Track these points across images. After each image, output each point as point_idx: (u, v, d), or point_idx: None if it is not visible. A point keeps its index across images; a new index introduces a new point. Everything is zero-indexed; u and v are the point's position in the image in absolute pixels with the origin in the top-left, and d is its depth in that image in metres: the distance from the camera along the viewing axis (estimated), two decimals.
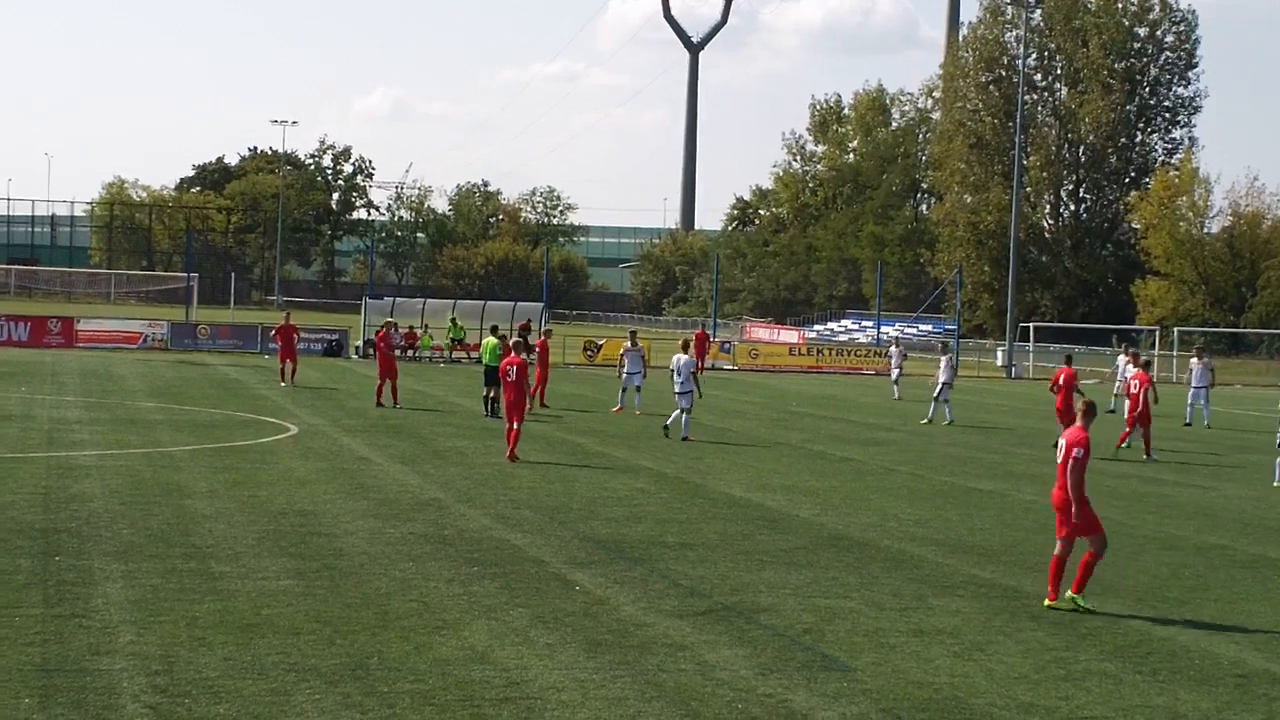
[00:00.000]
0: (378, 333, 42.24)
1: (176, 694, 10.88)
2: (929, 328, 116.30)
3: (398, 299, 77.11)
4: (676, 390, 32.89)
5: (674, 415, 33.13)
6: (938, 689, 11.96)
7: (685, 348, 34.28)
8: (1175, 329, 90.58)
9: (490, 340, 37.08)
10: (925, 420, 40.75)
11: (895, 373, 53.58)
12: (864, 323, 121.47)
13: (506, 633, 13.28)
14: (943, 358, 42.01)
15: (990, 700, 11.69)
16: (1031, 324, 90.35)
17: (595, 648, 12.87)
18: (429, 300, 79.74)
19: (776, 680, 12.01)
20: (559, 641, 13.04)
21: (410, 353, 66.21)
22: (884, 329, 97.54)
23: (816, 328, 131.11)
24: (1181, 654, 13.60)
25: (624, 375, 39.48)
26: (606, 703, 11.15)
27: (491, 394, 35.94)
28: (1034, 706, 11.57)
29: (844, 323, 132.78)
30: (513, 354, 28.31)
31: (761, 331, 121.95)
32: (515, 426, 27.35)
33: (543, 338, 41.94)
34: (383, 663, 12.06)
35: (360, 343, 68.24)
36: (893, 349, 56.27)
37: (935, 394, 41.21)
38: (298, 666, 11.81)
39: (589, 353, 72.94)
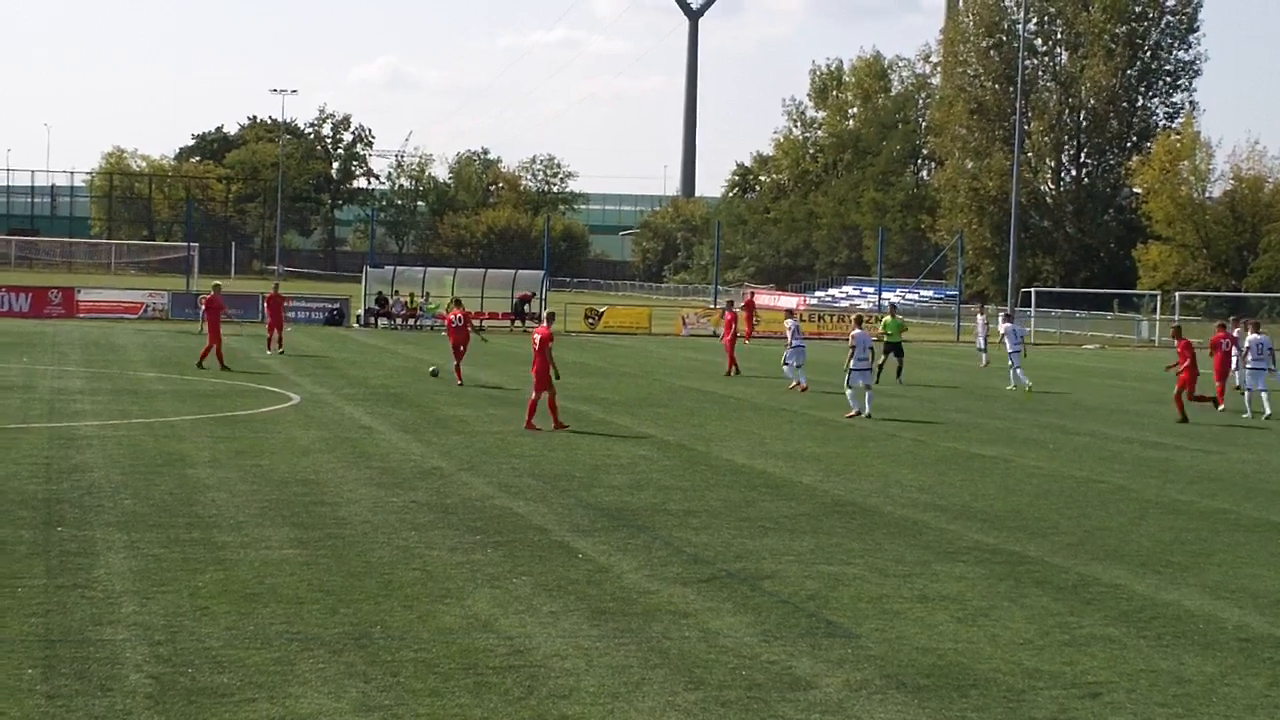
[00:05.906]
0: (208, 296, 43.32)
1: (179, 664, 10.86)
2: (930, 293, 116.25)
3: (399, 267, 77.10)
4: (854, 367, 31.80)
5: (860, 396, 31.82)
6: (942, 655, 11.94)
7: (859, 322, 34.22)
8: (1177, 293, 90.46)
9: (888, 319, 42.91)
10: (1011, 387, 41.31)
11: (981, 340, 54.50)
12: (865, 289, 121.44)
13: (509, 601, 13.26)
14: (1004, 324, 42.75)
15: (994, 666, 11.67)
16: (1033, 289, 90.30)
17: (598, 615, 12.85)
18: (430, 269, 79.64)
19: (780, 647, 11.99)
20: (562, 609, 13.01)
21: (411, 322, 66.35)
22: (885, 295, 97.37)
23: (818, 294, 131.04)
24: (1185, 619, 13.58)
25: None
26: (610, 670, 11.12)
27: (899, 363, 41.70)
28: (1038, 672, 11.55)
29: (845, 289, 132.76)
30: (544, 325, 28.06)
31: (763, 298, 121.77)
32: (552, 398, 27.11)
33: (749, 297, 44.20)
34: (386, 631, 12.04)
35: (361, 311, 68.28)
36: (979, 318, 57.26)
37: (1010, 363, 41.67)
38: (301, 636, 11.79)
39: (590, 320, 72.94)
